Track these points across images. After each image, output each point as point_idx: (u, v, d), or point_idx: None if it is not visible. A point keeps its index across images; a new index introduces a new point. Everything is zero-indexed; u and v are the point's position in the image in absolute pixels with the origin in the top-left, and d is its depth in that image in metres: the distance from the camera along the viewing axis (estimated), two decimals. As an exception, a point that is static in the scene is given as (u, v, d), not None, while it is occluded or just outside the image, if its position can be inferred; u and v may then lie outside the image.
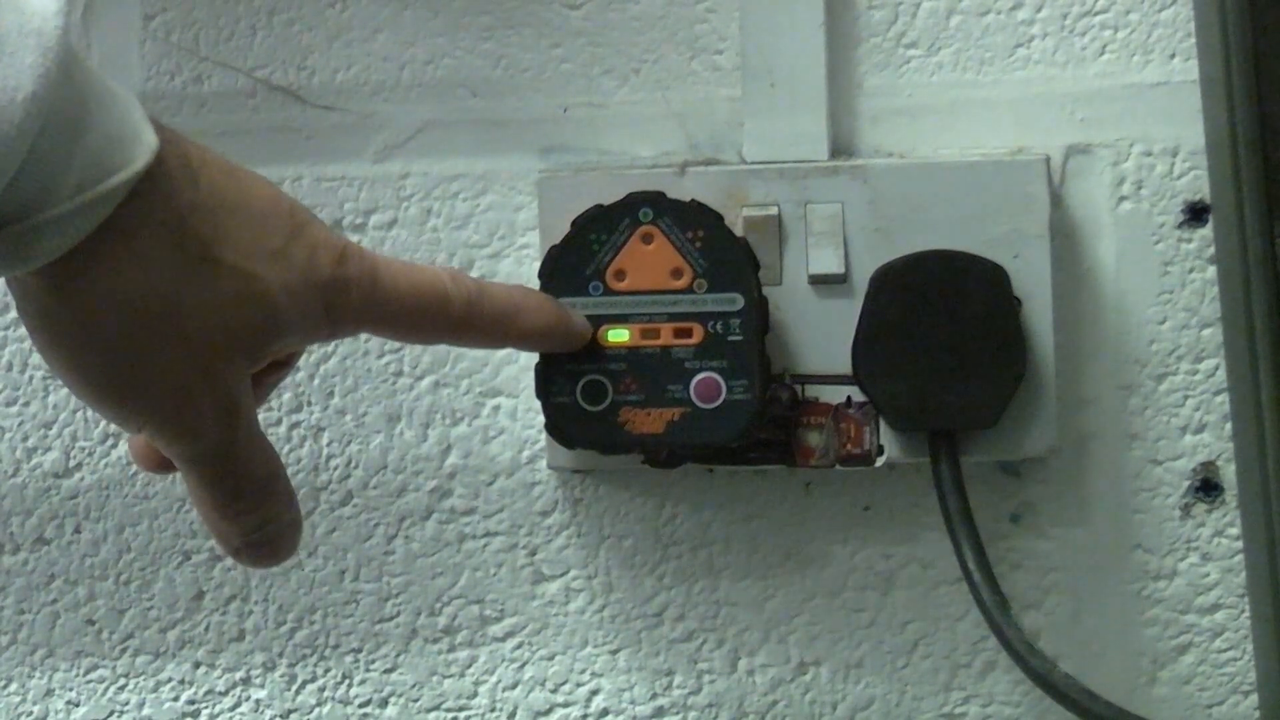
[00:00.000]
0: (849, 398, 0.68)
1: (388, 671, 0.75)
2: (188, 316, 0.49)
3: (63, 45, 0.45)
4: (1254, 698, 0.70)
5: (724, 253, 0.65)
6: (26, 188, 0.45)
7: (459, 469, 0.74)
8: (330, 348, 0.74)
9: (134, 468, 0.75)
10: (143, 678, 0.76)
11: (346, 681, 0.75)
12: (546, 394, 0.66)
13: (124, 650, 0.76)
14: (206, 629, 0.75)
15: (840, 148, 0.70)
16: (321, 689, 0.75)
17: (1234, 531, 0.70)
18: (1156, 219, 0.70)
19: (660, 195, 0.66)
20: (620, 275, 0.66)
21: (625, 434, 0.66)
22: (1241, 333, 0.67)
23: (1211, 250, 0.69)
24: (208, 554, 0.75)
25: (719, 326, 0.65)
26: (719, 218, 0.66)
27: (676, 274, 0.66)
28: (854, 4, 0.70)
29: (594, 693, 0.74)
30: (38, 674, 0.76)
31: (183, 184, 0.49)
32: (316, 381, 0.74)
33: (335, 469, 0.74)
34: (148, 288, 0.48)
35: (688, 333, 0.65)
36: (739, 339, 0.65)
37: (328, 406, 0.74)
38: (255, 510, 0.53)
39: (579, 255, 0.66)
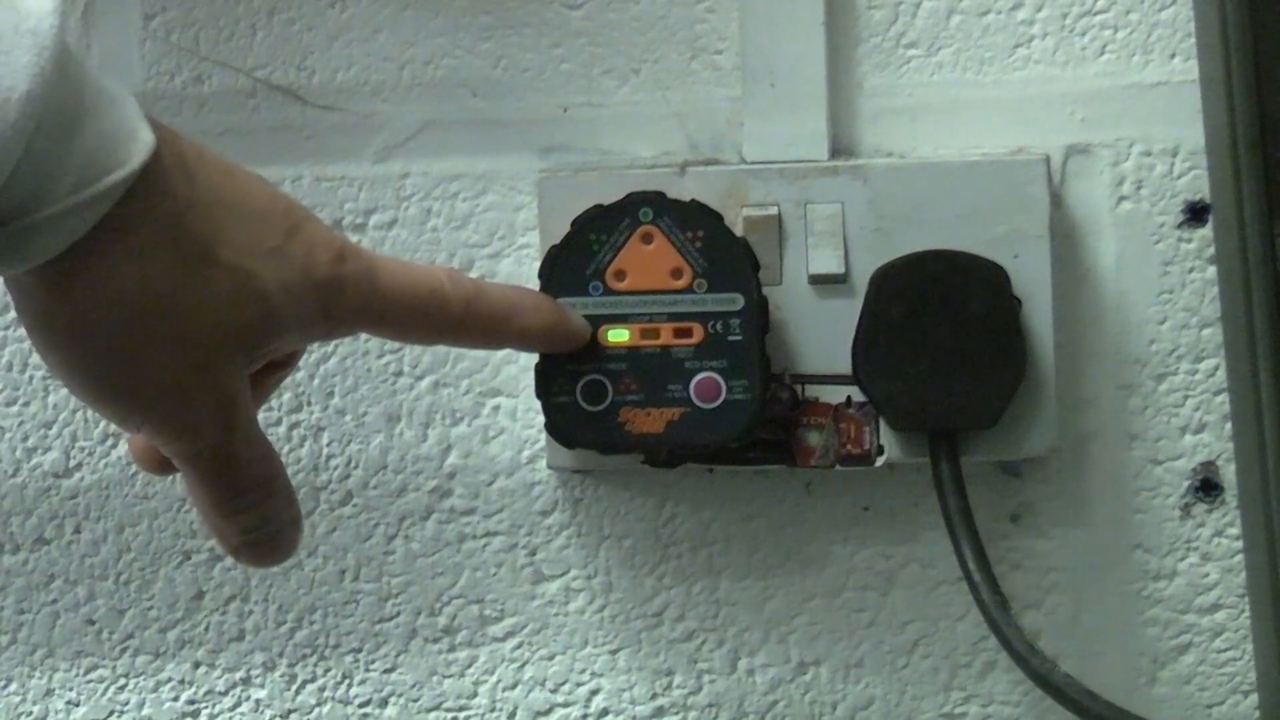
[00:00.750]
0: (849, 398, 0.68)
1: (388, 671, 0.75)
2: (185, 315, 0.49)
3: (58, 44, 0.45)
4: (1254, 698, 0.70)
5: (724, 253, 0.65)
6: (22, 186, 0.45)
7: (459, 469, 0.74)
8: (330, 348, 0.74)
9: (134, 468, 0.75)
10: (143, 678, 0.76)
11: (346, 681, 0.75)
12: (546, 394, 0.66)
13: (124, 650, 0.76)
14: (206, 629, 0.75)
15: (840, 148, 0.70)
16: (321, 689, 0.75)
17: (1234, 531, 0.70)
18: (1156, 219, 0.70)
19: (660, 195, 0.66)
20: (620, 275, 0.66)
21: (625, 434, 0.66)
22: (1241, 333, 0.66)
23: (1211, 250, 0.69)
24: (208, 554, 0.75)
25: (719, 326, 0.65)
26: (719, 218, 0.66)
27: (676, 274, 0.66)
28: (854, 4, 0.70)
29: (594, 693, 0.74)
30: (38, 674, 0.76)
31: (179, 182, 0.49)
32: (316, 381, 0.74)
33: (335, 469, 0.74)
34: (145, 286, 0.48)
35: (688, 333, 0.65)
36: (739, 339, 0.65)
37: (328, 406, 0.74)
38: (254, 509, 0.53)
39: (579, 255, 0.66)
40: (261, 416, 0.73)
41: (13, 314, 0.75)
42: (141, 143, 0.47)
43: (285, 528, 0.54)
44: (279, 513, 0.54)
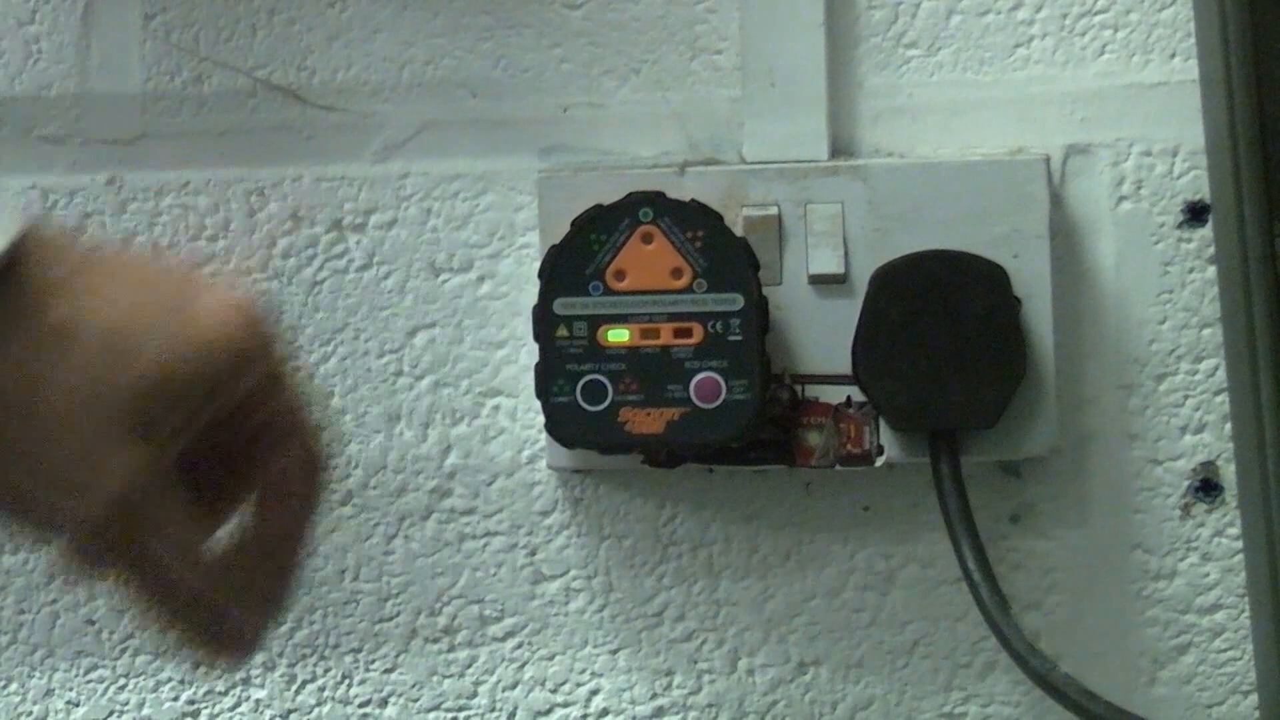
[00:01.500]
0: (849, 398, 0.68)
1: (388, 671, 0.75)
2: (48, 395, 0.42)
3: None
4: (1254, 698, 0.70)
5: (724, 253, 0.65)
6: None
7: (459, 469, 0.73)
8: (330, 348, 0.74)
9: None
10: (143, 678, 0.76)
11: (346, 681, 0.75)
12: (546, 394, 0.66)
13: (124, 650, 0.76)
14: (206, 629, 0.75)
15: (840, 148, 0.70)
16: (321, 689, 0.75)
17: (1234, 531, 0.70)
18: (1156, 219, 0.70)
19: (660, 195, 0.66)
20: (620, 275, 0.66)
21: (625, 434, 0.66)
22: (1241, 333, 0.66)
23: (1211, 250, 0.69)
24: (208, 554, 0.75)
25: (719, 326, 0.65)
26: (719, 218, 0.66)
27: (676, 274, 0.66)
28: (854, 4, 0.70)
29: (594, 693, 0.74)
30: (38, 674, 0.76)
31: (38, 269, 0.42)
32: (316, 381, 0.74)
33: (335, 469, 0.74)
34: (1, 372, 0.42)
35: (688, 332, 0.65)
36: (739, 339, 0.65)
37: (328, 406, 0.74)
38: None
39: (579, 255, 0.66)
40: (261, 416, 0.73)
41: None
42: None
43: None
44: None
